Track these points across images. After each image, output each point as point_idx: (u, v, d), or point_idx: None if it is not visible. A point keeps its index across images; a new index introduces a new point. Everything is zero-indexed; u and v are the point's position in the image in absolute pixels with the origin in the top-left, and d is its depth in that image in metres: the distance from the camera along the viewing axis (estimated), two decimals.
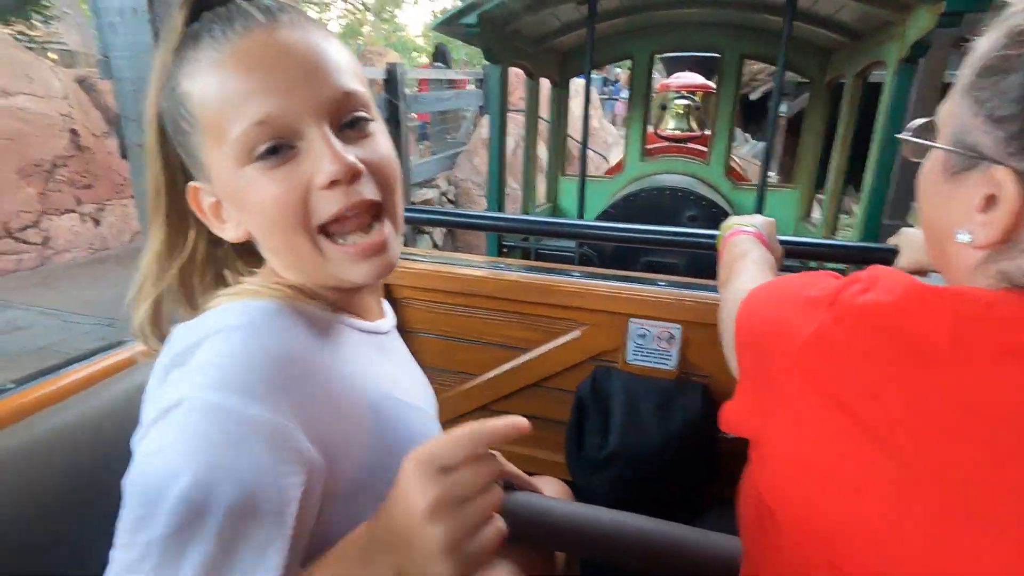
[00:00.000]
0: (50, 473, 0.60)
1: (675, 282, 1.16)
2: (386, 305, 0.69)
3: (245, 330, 0.44)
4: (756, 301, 0.53)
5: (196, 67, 0.45)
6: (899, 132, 1.86)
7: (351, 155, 0.45)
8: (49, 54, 6.85)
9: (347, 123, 0.47)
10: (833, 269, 1.99)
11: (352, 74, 0.48)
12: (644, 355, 1.19)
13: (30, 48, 5.58)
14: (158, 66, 0.47)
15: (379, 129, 0.50)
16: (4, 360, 3.17)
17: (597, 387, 1.22)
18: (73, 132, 4.86)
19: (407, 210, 1.30)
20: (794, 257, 1.03)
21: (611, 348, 1.21)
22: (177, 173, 0.51)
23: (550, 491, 0.90)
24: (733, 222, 0.93)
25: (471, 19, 1.88)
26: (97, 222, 5.14)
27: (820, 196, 2.81)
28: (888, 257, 0.92)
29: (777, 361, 0.46)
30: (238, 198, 0.47)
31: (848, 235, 3.35)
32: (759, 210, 1.98)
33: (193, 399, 0.40)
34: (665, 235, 1.16)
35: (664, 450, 1.14)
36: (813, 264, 1.77)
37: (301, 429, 0.42)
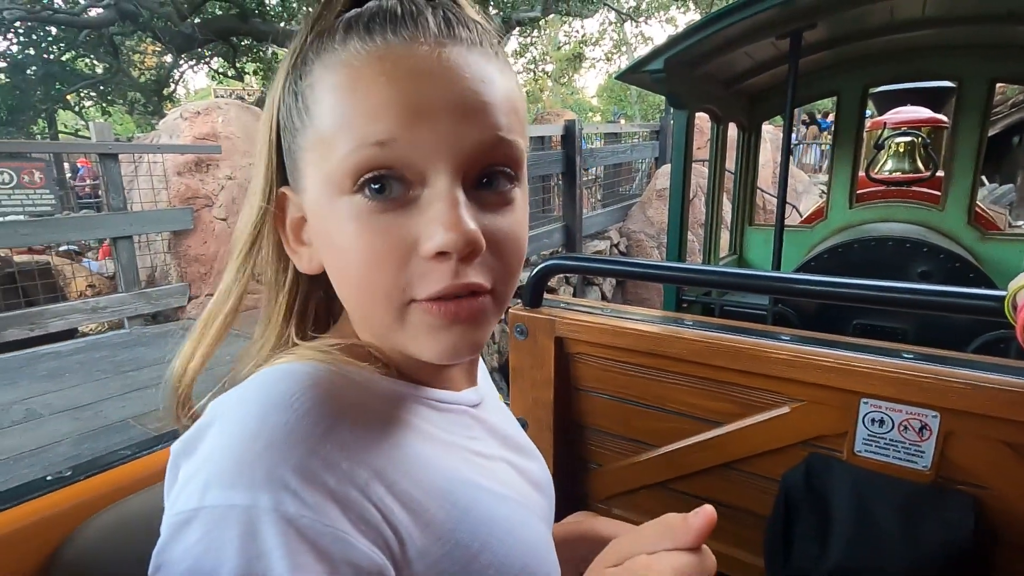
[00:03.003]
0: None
1: (930, 356, 0.90)
2: (482, 369, 0.55)
3: (278, 401, 0.33)
4: None
5: (334, 58, 0.36)
6: None
7: (474, 223, 0.35)
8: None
9: (486, 181, 0.37)
10: None
11: (515, 121, 0.38)
12: (881, 447, 0.92)
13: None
14: (294, 48, 0.39)
15: (521, 198, 0.40)
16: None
17: (813, 480, 0.98)
18: None
19: (595, 260, 1.23)
20: None
21: (832, 433, 0.97)
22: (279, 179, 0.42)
23: None
24: None
25: (657, 64, 1.81)
26: None
27: None
28: None
29: None
30: (324, 229, 0.37)
31: None
32: None
33: (206, 508, 0.30)
34: (911, 294, 0.91)
35: None
36: None
37: (353, 527, 0.32)
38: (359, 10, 0.37)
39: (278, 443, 0.31)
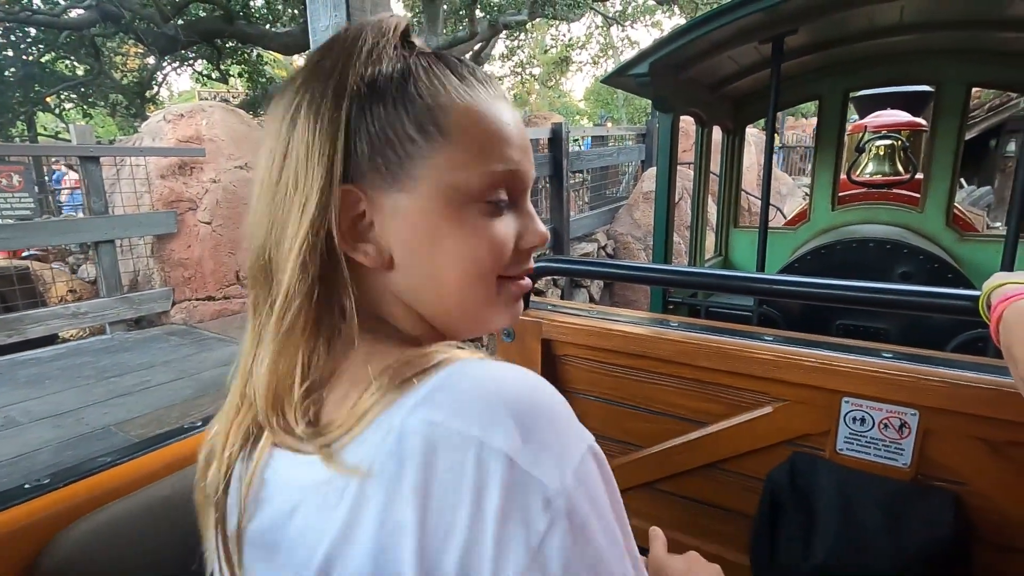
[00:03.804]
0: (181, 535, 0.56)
1: (909, 355, 0.91)
2: None
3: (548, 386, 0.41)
4: None
5: (468, 89, 0.45)
6: None
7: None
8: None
9: None
10: None
11: None
12: (862, 445, 0.94)
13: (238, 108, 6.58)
14: (348, 69, 0.44)
15: None
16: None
17: (797, 478, 0.99)
18: None
19: (582, 262, 1.23)
20: None
21: (815, 432, 0.98)
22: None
23: None
24: (1007, 280, 0.70)
25: (642, 68, 1.83)
26: None
27: None
28: None
29: None
30: (434, 226, 0.43)
31: None
32: (1009, 264, 1.57)
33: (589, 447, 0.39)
34: (891, 294, 0.92)
35: (899, 575, 0.87)
36: None
37: None
38: (438, 58, 0.46)
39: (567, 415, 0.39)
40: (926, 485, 0.90)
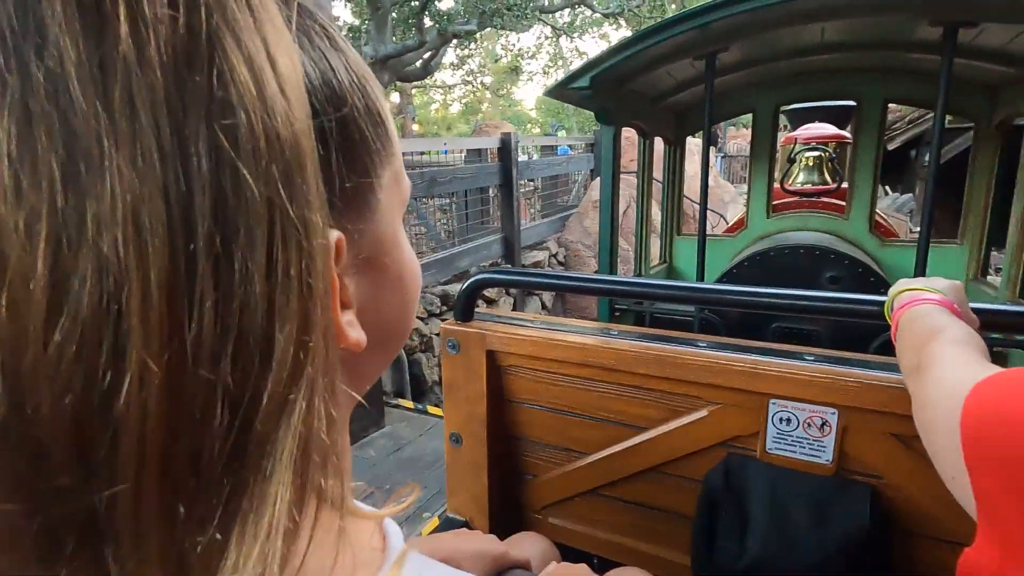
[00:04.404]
0: None
1: (829, 357, 0.97)
2: None
3: None
4: (999, 400, 0.38)
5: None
6: None
7: None
8: None
9: None
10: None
11: None
12: (789, 444, 0.99)
13: None
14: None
15: None
16: None
17: (731, 479, 1.03)
18: None
19: (526, 273, 1.25)
20: (997, 330, 0.81)
21: (747, 433, 1.03)
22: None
23: None
24: (907, 286, 0.76)
25: (583, 82, 1.88)
26: None
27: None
28: None
29: None
30: (398, 260, 0.35)
31: None
32: (921, 269, 1.69)
33: None
34: (812, 300, 0.98)
35: (824, 566, 0.92)
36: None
37: None
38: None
39: None
40: (846, 479, 0.96)
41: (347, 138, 0.30)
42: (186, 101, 0.19)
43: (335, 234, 0.28)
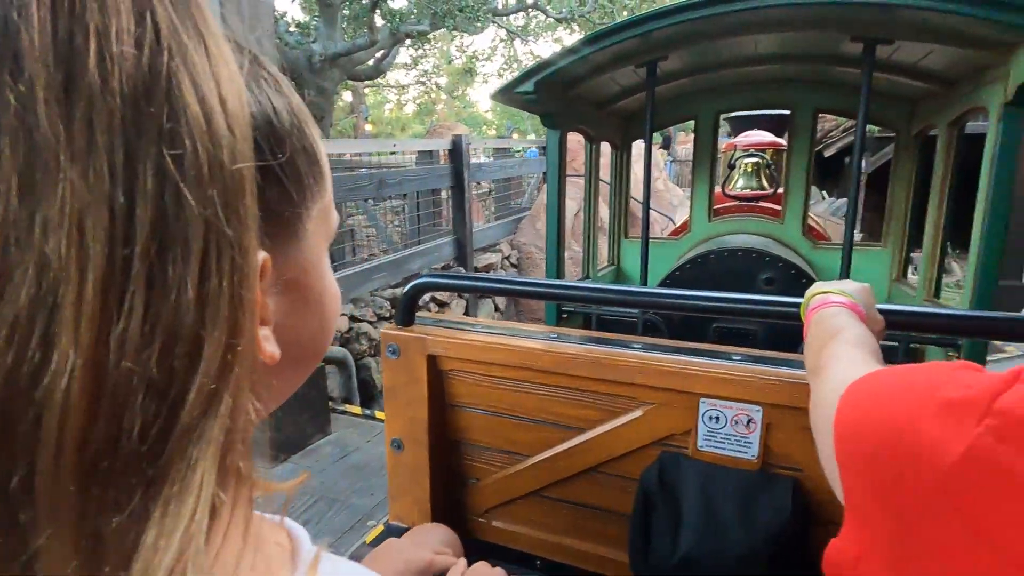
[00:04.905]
0: None
1: (754, 356, 1.01)
2: None
3: None
4: (863, 400, 0.41)
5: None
6: (1010, 181, 1.63)
7: None
8: None
9: None
10: (947, 345, 1.74)
11: None
12: (718, 441, 1.03)
13: None
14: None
15: None
16: None
17: (665, 476, 1.06)
18: None
19: (469, 277, 1.25)
20: (899, 329, 0.87)
21: (679, 431, 1.06)
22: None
23: None
24: (820, 289, 0.80)
25: (528, 87, 1.89)
26: None
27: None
28: None
29: (909, 488, 0.34)
30: (319, 285, 0.39)
31: (955, 298, 3.00)
32: (845, 271, 1.79)
33: None
34: (738, 303, 1.03)
35: (750, 558, 0.96)
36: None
37: None
38: None
39: None
40: (770, 474, 1.00)
41: (283, 172, 0.34)
42: (140, 128, 0.21)
43: (262, 255, 0.30)
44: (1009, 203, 1.53)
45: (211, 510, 0.24)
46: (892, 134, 2.65)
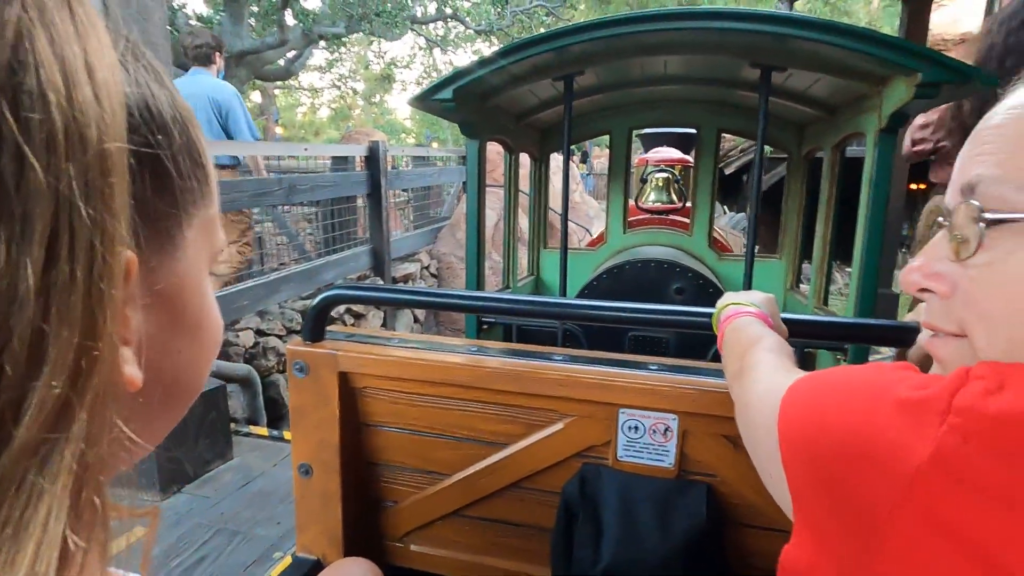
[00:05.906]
0: None
1: (669, 366, 1.04)
2: None
3: None
4: (810, 400, 0.41)
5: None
6: (884, 201, 1.80)
7: None
8: None
9: None
10: (836, 349, 1.89)
11: None
12: (637, 450, 1.04)
13: None
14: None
15: None
16: None
17: (586, 488, 1.05)
18: None
19: (382, 289, 1.18)
20: (801, 336, 0.92)
21: (600, 442, 1.06)
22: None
23: None
24: (730, 301, 0.83)
25: (446, 94, 1.86)
26: None
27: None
28: (909, 337, 0.81)
29: (869, 491, 0.33)
30: (199, 306, 0.35)
31: (839, 304, 3.29)
32: (748, 282, 1.90)
33: None
34: (655, 314, 1.05)
35: (669, 563, 0.97)
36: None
37: None
38: None
39: None
40: (686, 480, 1.02)
41: (162, 166, 0.30)
42: None
43: (127, 254, 0.25)
44: (884, 219, 1.69)
45: (61, 558, 0.19)
46: (784, 155, 2.86)
